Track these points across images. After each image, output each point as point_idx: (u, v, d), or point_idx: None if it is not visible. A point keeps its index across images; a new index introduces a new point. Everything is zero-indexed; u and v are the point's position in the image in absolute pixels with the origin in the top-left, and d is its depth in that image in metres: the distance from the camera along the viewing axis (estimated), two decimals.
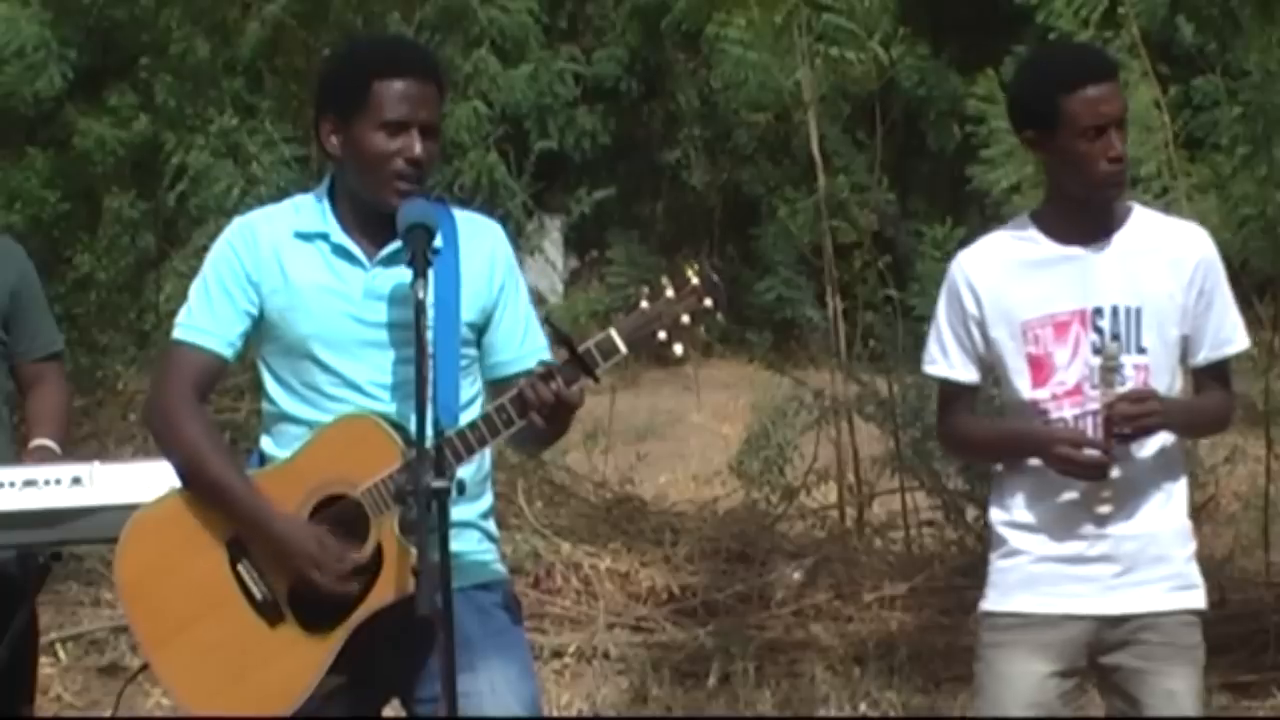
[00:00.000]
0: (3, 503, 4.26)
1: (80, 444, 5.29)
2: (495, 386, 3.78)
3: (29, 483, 4.29)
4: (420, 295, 3.52)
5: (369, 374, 3.68)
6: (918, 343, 4.88)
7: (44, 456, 4.56)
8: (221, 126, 9.83)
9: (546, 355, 3.78)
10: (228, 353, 3.74)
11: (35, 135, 11.24)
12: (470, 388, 3.76)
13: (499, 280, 3.79)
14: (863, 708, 6.82)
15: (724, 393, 12.25)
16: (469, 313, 3.72)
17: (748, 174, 15.13)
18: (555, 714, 6.92)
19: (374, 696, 3.79)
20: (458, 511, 3.50)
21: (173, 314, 3.89)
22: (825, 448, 9.11)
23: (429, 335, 3.54)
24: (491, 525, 3.84)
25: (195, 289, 3.77)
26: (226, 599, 3.64)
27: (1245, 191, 8.29)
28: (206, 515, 3.68)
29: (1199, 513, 8.53)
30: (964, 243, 4.27)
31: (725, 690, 7.10)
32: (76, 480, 4.30)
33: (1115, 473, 3.89)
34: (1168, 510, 3.98)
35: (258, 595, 3.64)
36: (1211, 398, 4.07)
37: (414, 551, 3.48)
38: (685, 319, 3.57)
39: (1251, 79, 8.17)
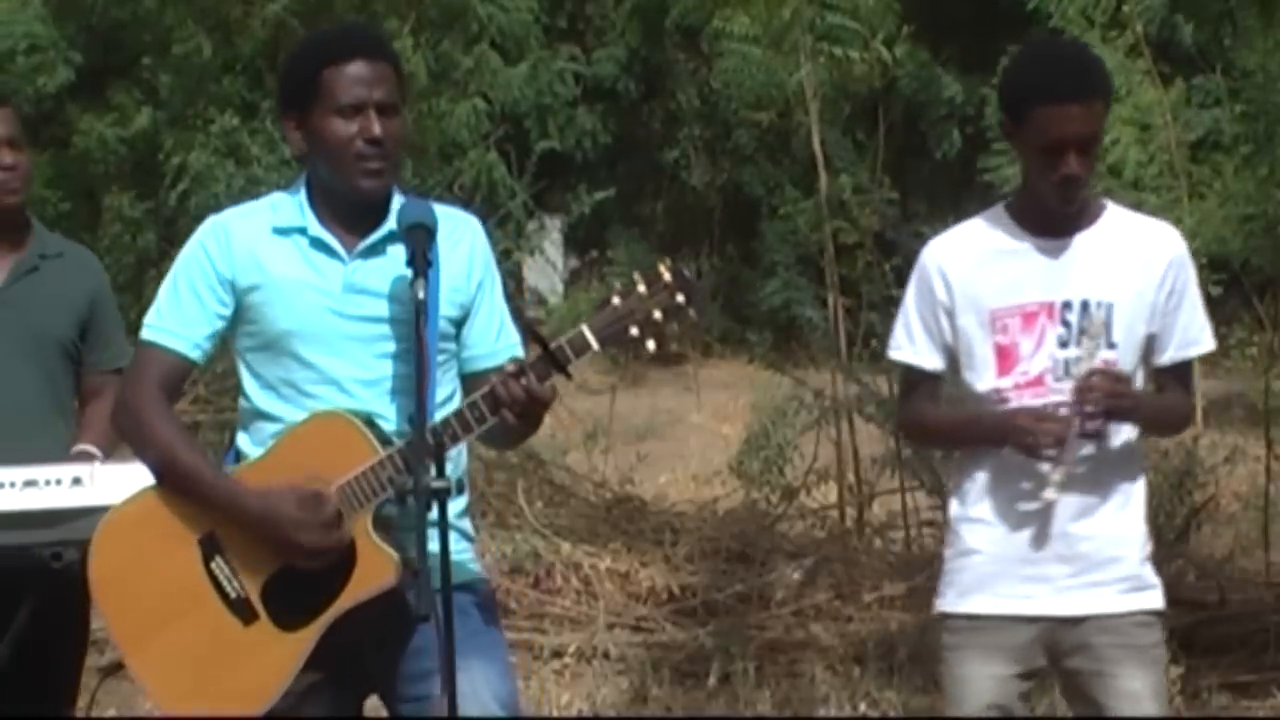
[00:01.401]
0: (3, 503, 4.27)
1: None
2: (469, 381, 3.78)
3: (29, 483, 4.29)
4: (420, 295, 3.52)
5: (348, 370, 3.68)
6: None
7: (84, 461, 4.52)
8: (223, 126, 9.84)
9: (520, 351, 3.79)
10: (195, 354, 3.73)
11: (36, 135, 11.25)
12: (449, 384, 3.76)
13: (477, 276, 3.79)
14: (863, 708, 6.81)
15: (724, 393, 12.24)
16: (449, 308, 3.72)
17: (748, 174, 15.15)
18: (555, 714, 6.91)
19: (353, 694, 3.78)
20: (435, 511, 3.48)
21: None
22: (825, 448, 9.11)
23: (410, 331, 3.55)
24: (467, 524, 3.84)
25: (164, 289, 3.76)
26: (200, 597, 3.63)
27: (1246, 191, 8.30)
28: (179, 513, 3.67)
29: (1198, 513, 8.57)
30: None
31: (725, 690, 7.09)
32: (76, 480, 4.30)
33: (1084, 450, 3.85)
34: (1125, 513, 3.95)
35: (231, 593, 3.63)
36: (1173, 397, 4.05)
37: (389, 550, 3.51)
38: (657, 314, 3.54)
39: (1254, 79, 8.18)
